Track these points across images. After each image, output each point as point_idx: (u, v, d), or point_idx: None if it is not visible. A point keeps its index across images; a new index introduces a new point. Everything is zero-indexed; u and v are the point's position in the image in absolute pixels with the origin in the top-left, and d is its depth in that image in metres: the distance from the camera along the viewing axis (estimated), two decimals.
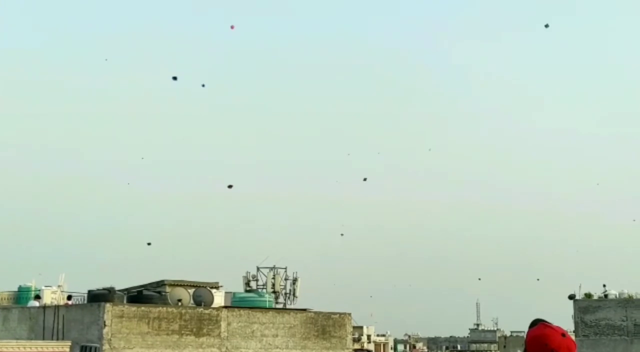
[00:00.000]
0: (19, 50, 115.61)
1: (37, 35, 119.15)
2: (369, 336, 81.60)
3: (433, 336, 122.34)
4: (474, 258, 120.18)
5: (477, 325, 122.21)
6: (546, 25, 56.14)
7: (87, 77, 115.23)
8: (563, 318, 46.12)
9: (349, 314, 29.61)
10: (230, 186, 38.42)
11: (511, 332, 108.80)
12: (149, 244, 41.67)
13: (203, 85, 46.53)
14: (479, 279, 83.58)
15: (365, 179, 45.91)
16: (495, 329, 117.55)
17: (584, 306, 47.35)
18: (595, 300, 47.66)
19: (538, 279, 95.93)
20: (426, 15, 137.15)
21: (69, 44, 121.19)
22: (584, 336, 45.27)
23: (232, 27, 45.92)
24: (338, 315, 28.97)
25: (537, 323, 3.43)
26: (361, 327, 75.07)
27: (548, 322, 3.46)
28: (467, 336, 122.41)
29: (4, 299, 28.27)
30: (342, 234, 46.25)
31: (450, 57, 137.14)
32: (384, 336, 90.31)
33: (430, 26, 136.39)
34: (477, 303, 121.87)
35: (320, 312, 28.80)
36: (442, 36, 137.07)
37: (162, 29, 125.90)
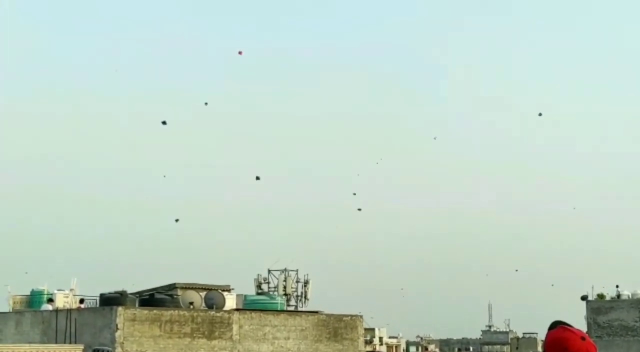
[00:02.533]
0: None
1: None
2: (380, 338, 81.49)
3: (445, 338, 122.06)
4: (486, 259, 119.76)
5: (489, 327, 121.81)
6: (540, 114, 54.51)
7: (94, 79, 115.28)
8: (576, 319, 45.93)
9: (361, 316, 29.59)
10: (164, 122, 37.56)
11: (523, 333, 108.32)
12: (176, 220, 41.60)
13: (206, 104, 44.43)
14: (487, 275, 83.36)
15: (359, 210, 44.14)
16: (508, 330, 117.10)
17: (597, 307, 47.17)
18: (608, 301, 47.46)
19: (552, 285, 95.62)
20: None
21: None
22: (597, 337, 45.04)
23: (240, 52, 44.58)
24: (350, 317, 28.93)
25: (556, 325, 3.38)
26: (373, 329, 74.93)
27: (568, 325, 3.41)
28: (480, 338, 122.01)
29: (17, 302, 28.36)
30: (359, 209, 45.03)
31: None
32: (396, 337, 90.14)
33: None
34: (489, 304, 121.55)
35: (331, 315, 28.77)
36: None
37: (162, 31, 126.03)
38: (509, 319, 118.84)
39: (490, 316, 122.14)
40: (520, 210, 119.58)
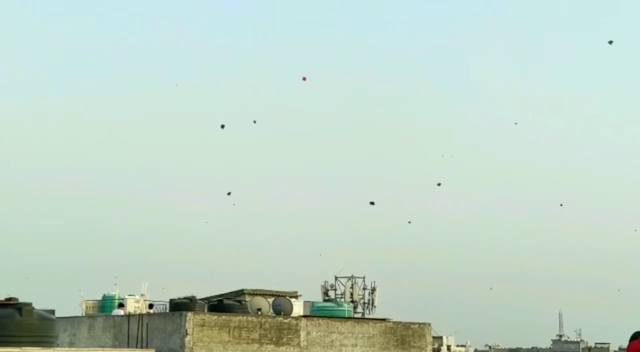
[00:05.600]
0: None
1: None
2: (448, 346, 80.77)
3: (515, 347, 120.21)
4: (556, 268, 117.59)
5: (560, 336, 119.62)
6: (610, 42, 52.30)
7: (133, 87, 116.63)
8: None
9: (429, 324, 29.31)
10: (229, 193, 37.35)
11: (595, 343, 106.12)
12: (229, 193, 40.00)
13: (222, 126, 42.24)
14: (490, 288, 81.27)
15: (372, 203, 42.19)
16: (579, 340, 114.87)
17: None
18: None
19: (619, 290, 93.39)
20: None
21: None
22: None
23: (304, 78, 42.83)
24: (417, 325, 28.69)
25: (638, 336, 3.29)
26: (441, 338, 74.33)
27: None
28: (550, 347, 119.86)
29: (90, 307, 28.86)
30: (409, 222, 44.89)
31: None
32: (464, 346, 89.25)
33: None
34: (559, 313, 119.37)
35: (399, 322, 28.58)
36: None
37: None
38: (580, 329, 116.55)
39: (560, 325, 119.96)
40: (587, 224, 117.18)
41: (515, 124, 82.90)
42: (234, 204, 51.86)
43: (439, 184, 45.96)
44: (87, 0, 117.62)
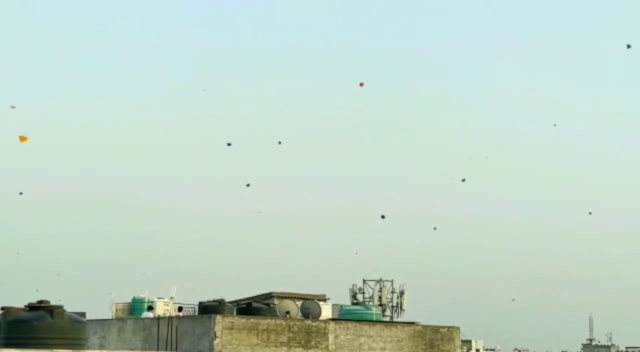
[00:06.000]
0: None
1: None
2: (477, 350, 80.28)
3: (544, 351, 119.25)
4: (587, 270, 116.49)
5: (590, 340, 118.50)
6: (628, 46, 50.71)
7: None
8: None
9: (458, 328, 29.18)
10: (229, 144, 36.51)
11: (626, 347, 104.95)
12: (248, 185, 38.27)
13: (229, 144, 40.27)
14: (513, 300, 79.92)
15: (383, 217, 41.08)
16: (610, 344, 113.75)
17: None
18: None
19: None
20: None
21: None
22: None
23: (361, 84, 42.21)
24: (446, 328, 28.59)
25: None
26: (470, 341, 73.93)
27: None
28: (580, 351, 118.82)
29: (119, 310, 29.09)
30: (434, 228, 44.59)
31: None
32: (493, 350, 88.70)
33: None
34: (590, 317, 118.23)
35: (428, 326, 28.48)
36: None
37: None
38: (610, 332, 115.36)
39: (591, 329, 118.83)
40: (619, 228, 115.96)
41: (554, 125, 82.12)
42: (259, 212, 51.79)
43: (463, 180, 45.86)
44: (88, 1, 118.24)
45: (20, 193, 41.75)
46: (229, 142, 37.42)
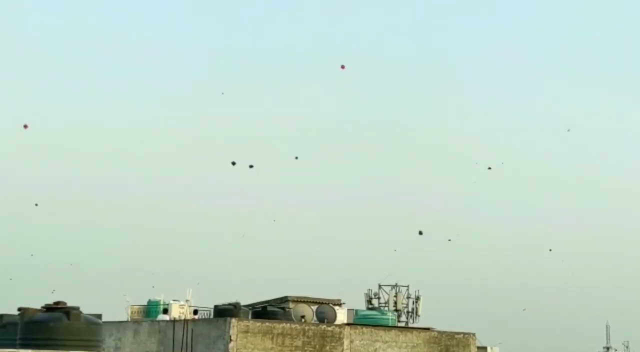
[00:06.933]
0: None
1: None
2: None
3: None
4: (603, 278, 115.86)
5: (607, 348, 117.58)
6: None
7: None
8: None
9: (474, 334, 29.09)
10: (251, 166, 36.17)
11: None
12: (233, 163, 37.79)
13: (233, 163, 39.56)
14: (524, 309, 79.08)
15: (420, 233, 40.61)
16: None
17: None
18: None
19: None
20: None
21: None
22: None
23: (342, 66, 42.04)
24: (462, 335, 28.50)
25: None
26: (485, 348, 73.59)
27: None
28: None
29: (135, 312, 29.15)
30: (449, 239, 43.85)
31: None
32: None
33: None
34: (606, 325, 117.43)
35: (443, 332, 28.40)
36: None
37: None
38: (627, 341, 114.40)
39: (608, 337, 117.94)
40: (636, 225, 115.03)
41: (568, 130, 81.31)
42: (274, 220, 51.53)
43: (489, 168, 44.66)
44: (89, 1, 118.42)
45: (36, 204, 41.65)
46: (233, 161, 37.08)
